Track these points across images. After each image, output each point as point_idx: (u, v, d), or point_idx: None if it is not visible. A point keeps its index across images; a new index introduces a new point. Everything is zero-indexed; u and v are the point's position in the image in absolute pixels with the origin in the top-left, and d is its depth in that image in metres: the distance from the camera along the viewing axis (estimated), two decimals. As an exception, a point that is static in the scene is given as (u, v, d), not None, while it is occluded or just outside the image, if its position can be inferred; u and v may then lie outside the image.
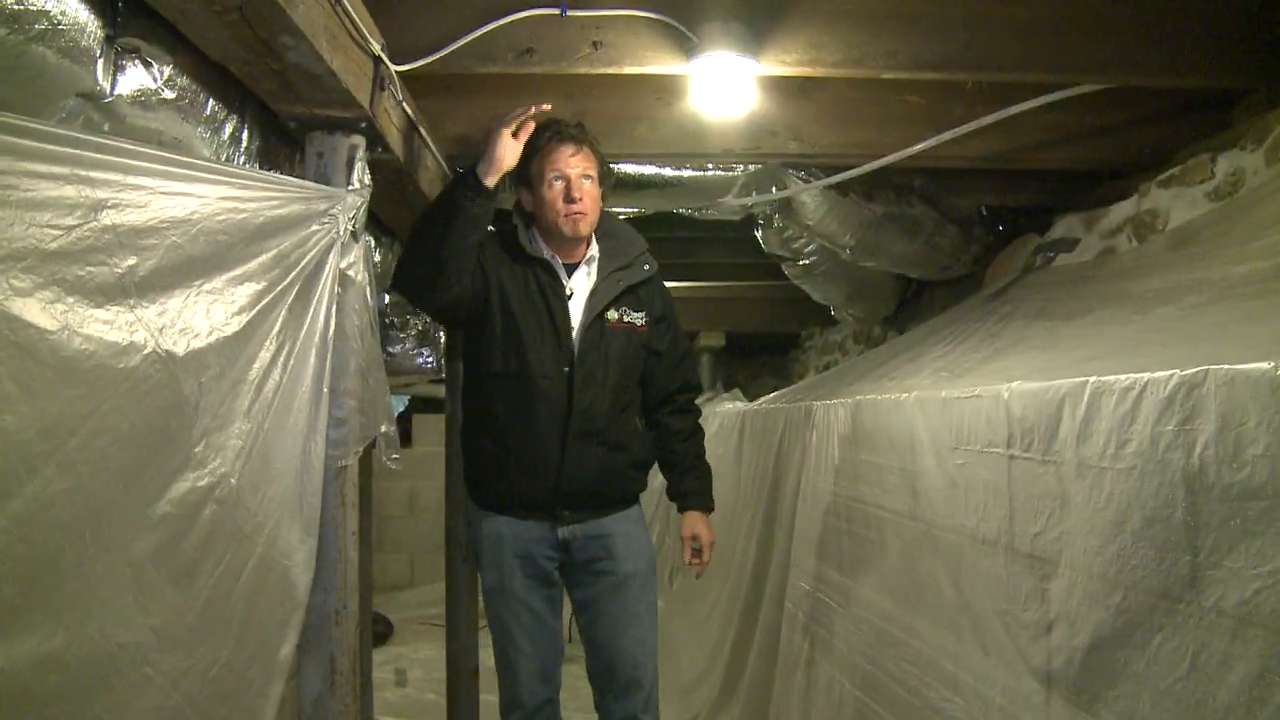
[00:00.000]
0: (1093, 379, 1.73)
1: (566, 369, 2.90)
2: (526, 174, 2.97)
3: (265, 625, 2.17)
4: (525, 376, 2.89)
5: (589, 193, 2.92)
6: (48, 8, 1.69)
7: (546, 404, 2.89)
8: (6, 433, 1.39)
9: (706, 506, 3.26)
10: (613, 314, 2.98)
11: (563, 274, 2.98)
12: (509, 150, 2.81)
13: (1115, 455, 1.65)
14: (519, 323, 2.90)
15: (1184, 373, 1.48)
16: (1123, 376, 1.63)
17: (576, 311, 2.97)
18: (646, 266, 3.07)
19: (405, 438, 9.89)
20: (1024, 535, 2.00)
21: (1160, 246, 3.46)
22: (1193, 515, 1.46)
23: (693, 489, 3.23)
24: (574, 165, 2.90)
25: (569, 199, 2.88)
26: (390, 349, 4.57)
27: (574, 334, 2.94)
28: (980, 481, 2.21)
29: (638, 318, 3.03)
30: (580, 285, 3.00)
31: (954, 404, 2.36)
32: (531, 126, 2.89)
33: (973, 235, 4.84)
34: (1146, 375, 1.56)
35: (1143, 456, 1.57)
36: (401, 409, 9.77)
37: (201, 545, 1.92)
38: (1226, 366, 1.40)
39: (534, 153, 2.93)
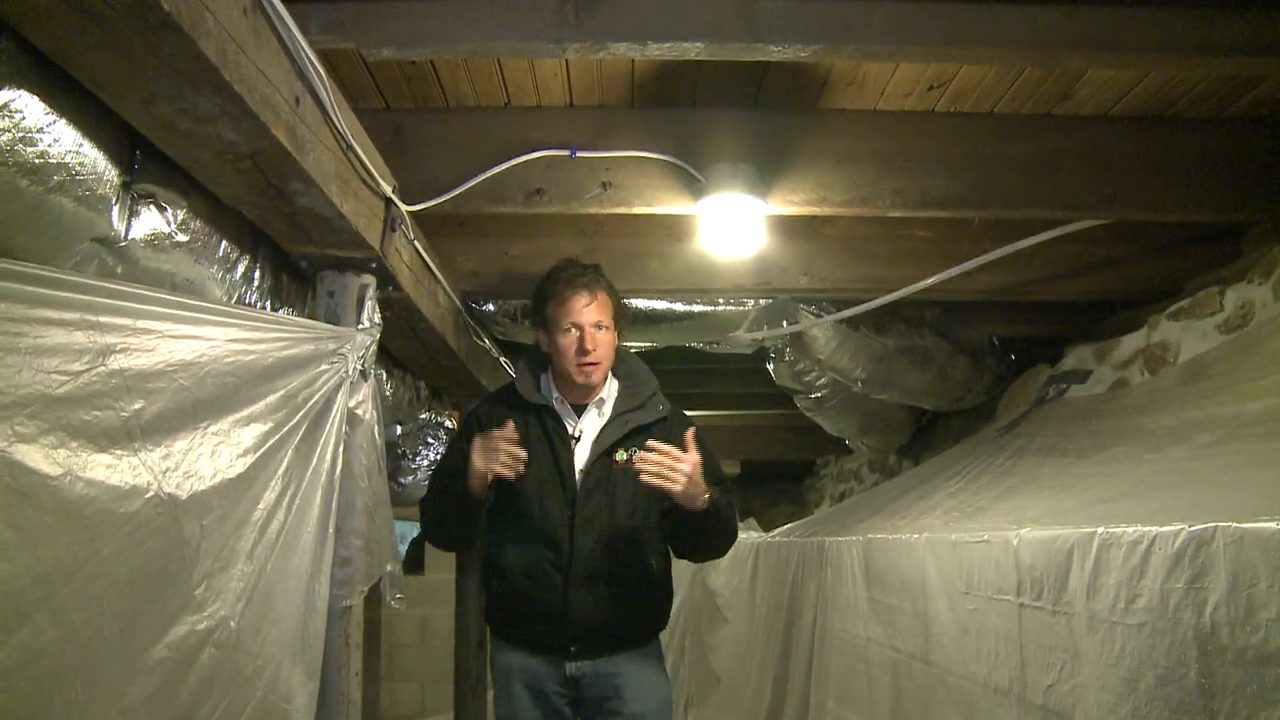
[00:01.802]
0: (1100, 530, 1.70)
1: (568, 513, 2.87)
2: (542, 316, 2.96)
3: (262, 773, 2.11)
4: (528, 522, 2.87)
5: (602, 342, 2.89)
6: (67, 160, 1.74)
7: (550, 547, 2.86)
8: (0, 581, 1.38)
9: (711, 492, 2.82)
10: (621, 455, 2.93)
11: (571, 416, 2.97)
12: (482, 458, 2.72)
13: (1126, 610, 1.61)
14: (524, 473, 2.83)
15: (1192, 528, 1.45)
16: (1130, 529, 1.60)
17: (584, 453, 2.93)
18: (661, 408, 3.02)
19: (418, 564, 9.79)
20: (1036, 686, 1.94)
21: (1172, 380, 3.45)
22: (1207, 678, 1.42)
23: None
24: (588, 315, 2.86)
25: (581, 350, 2.85)
26: (402, 480, 4.56)
27: (579, 477, 2.90)
28: (991, 628, 2.16)
29: None
30: (590, 426, 2.96)
31: (964, 548, 2.33)
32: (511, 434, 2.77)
33: (985, 365, 4.85)
34: (1155, 530, 1.54)
35: (1153, 613, 1.54)
36: (415, 535, 9.71)
37: (199, 690, 1.88)
38: (1235, 524, 1.37)
39: (550, 297, 2.91)
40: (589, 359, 2.86)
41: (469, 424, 3.01)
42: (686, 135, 3.05)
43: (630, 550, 2.90)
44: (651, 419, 2.97)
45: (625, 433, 2.93)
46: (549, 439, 2.91)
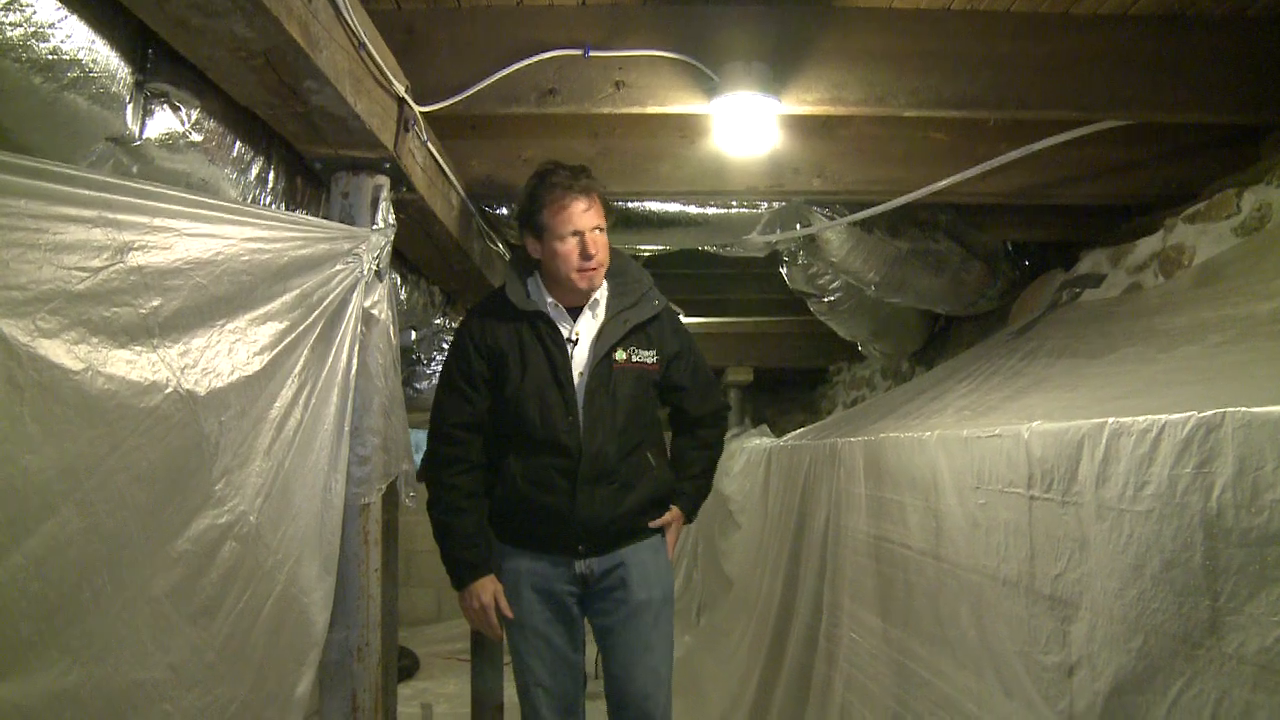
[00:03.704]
0: (1110, 420, 1.72)
1: (570, 418, 2.88)
2: (534, 222, 2.90)
3: (283, 662, 2.17)
4: (530, 429, 2.89)
5: (602, 245, 2.88)
6: (80, 56, 1.73)
7: (556, 453, 2.88)
8: (27, 472, 1.41)
9: (689, 513, 3.18)
10: (621, 354, 2.94)
11: (565, 320, 2.96)
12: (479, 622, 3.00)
13: (1134, 497, 1.64)
14: (520, 381, 2.89)
15: (1201, 415, 1.47)
16: (1140, 418, 1.62)
17: (582, 355, 2.93)
18: (656, 302, 3.02)
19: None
20: (1045, 576, 1.98)
21: (1186, 283, 3.44)
22: (1211, 559, 1.44)
23: (686, 491, 3.16)
24: (588, 220, 2.83)
25: (585, 255, 2.84)
26: (416, 385, 4.59)
27: (578, 380, 2.91)
28: (1001, 521, 2.19)
29: (648, 356, 2.99)
30: (586, 328, 2.96)
31: (975, 443, 2.35)
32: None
33: (999, 270, 4.83)
34: (1164, 417, 1.55)
35: (1161, 499, 1.56)
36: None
37: (220, 582, 1.93)
38: (1244, 409, 1.38)
39: (545, 203, 2.86)
40: (592, 264, 2.85)
41: (463, 340, 2.99)
42: (700, 32, 3.00)
43: (632, 447, 2.96)
44: (647, 315, 2.99)
45: (625, 332, 2.94)
46: (544, 345, 2.91)
